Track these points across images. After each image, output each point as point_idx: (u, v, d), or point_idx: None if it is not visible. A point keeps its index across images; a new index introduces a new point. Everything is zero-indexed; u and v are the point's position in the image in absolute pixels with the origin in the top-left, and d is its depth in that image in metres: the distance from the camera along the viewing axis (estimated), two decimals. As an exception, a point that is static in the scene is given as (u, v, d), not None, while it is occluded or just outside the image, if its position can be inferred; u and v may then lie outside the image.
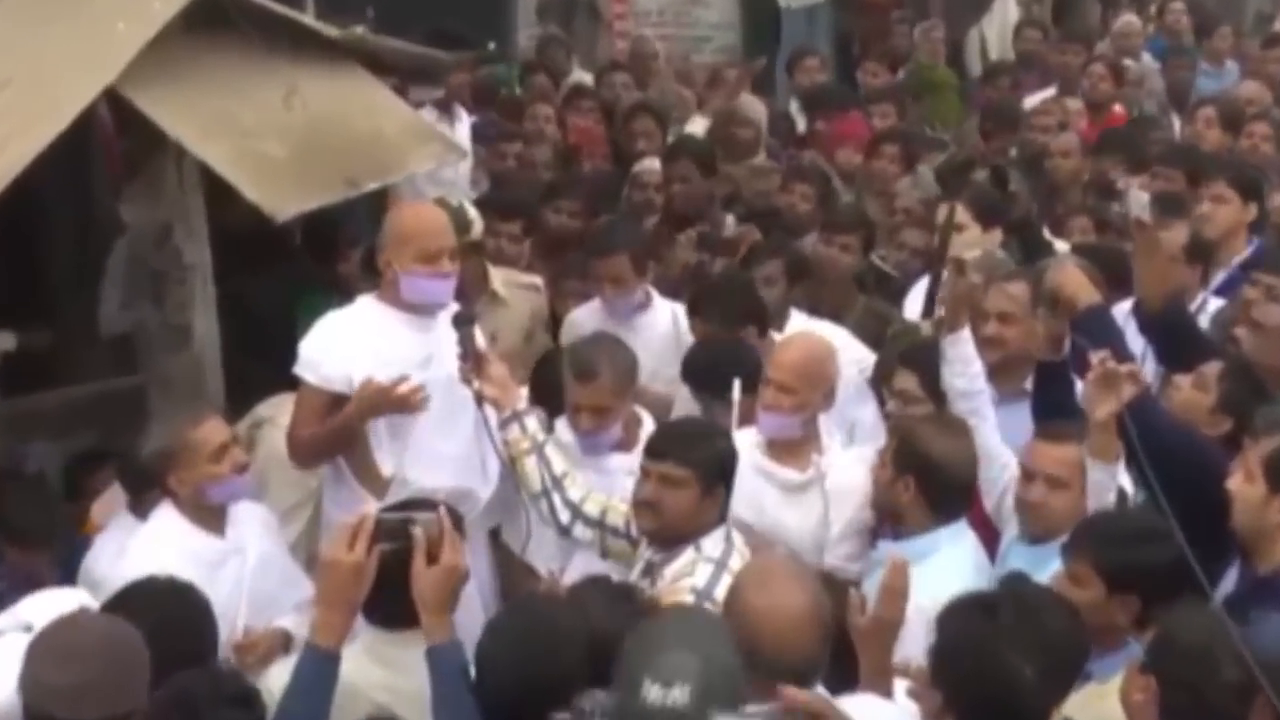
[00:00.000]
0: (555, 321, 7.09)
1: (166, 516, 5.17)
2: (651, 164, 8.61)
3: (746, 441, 5.36)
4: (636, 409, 5.78)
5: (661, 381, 6.36)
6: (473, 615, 4.82)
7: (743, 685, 3.16)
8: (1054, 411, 5.24)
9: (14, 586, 5.09)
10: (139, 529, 5.24)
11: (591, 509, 5.15)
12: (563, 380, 5.68)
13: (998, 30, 12.67)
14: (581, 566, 5.25)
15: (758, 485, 5.34)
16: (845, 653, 4.01)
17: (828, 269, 7.23)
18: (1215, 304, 6.56)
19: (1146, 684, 3.72)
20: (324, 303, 6.20)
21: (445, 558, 4.01)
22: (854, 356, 6.24)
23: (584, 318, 6.76)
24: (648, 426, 5.64)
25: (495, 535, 5.94)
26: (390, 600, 4.03)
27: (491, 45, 11.39)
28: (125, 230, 6.96)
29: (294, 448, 5.65)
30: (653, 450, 4.89)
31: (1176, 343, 5.70)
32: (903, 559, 4.20)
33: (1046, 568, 4.66)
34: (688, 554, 4.75)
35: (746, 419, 5.55)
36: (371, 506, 4.61)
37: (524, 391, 5.64)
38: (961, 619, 3.84)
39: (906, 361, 5.75)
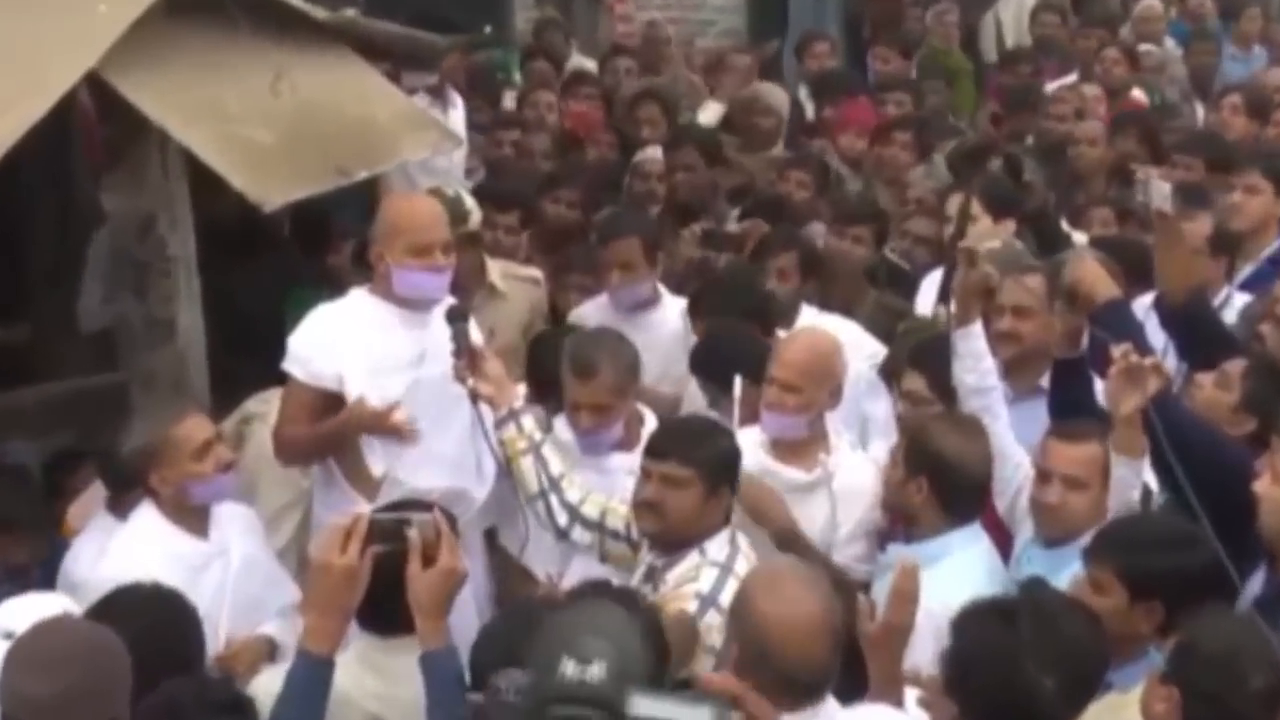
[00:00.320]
0: (555, 316, 7.09)
1: (147, 517, 5.17)
2: (654, 153, 8.60)
3: (750, 441, 5.36)
4: (639, 407, 5.78)
5: (670, 382, 6.35)
6: (467, 620, 4.82)
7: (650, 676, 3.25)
8: (1072, 409, 5.25)
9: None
10: (119, 530, 5.24)
11: (590, 511, 5.15)
12: (559, 363, 5.68)
13: (1014, 14, 12.65)
14: (581, 570, 5.25)
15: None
16: (854, 660, 4.00)
17: (839, 262, 7.22)
18: (1241, 299, 6.55)
19: (1169, 694, 3.71)
20: (313, 296, 6.19)
21: (442, 560, 4.00)
22: (867, 353, 6.25)
23: (590, 314, 6.75)
24: (650, 425, 5.63)
25: (492, 537, 5.95)
26: (384, 605, 4.02)
27: (488, 29, 11.37)
28: (107, 220, 6.95)
29: (280, 446, 5.66)
30: (654, 449, 4.89)
31: (1199, 339, 5.70)
32: (913, 562, 4.20)
33: (1063, 571, 4.66)
34: (691, 558, 4.75)
35: (754, 414, 5.53)
36: (363, 508, 4.60)
37: (521, 389, 5.64)
38: (978, 627, 3.84)
39: (915, 362, 5.75)
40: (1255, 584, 4.47)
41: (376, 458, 5.57)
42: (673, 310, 6.71)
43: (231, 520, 5.29)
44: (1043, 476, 5.03)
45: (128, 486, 5.35)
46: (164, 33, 6.18)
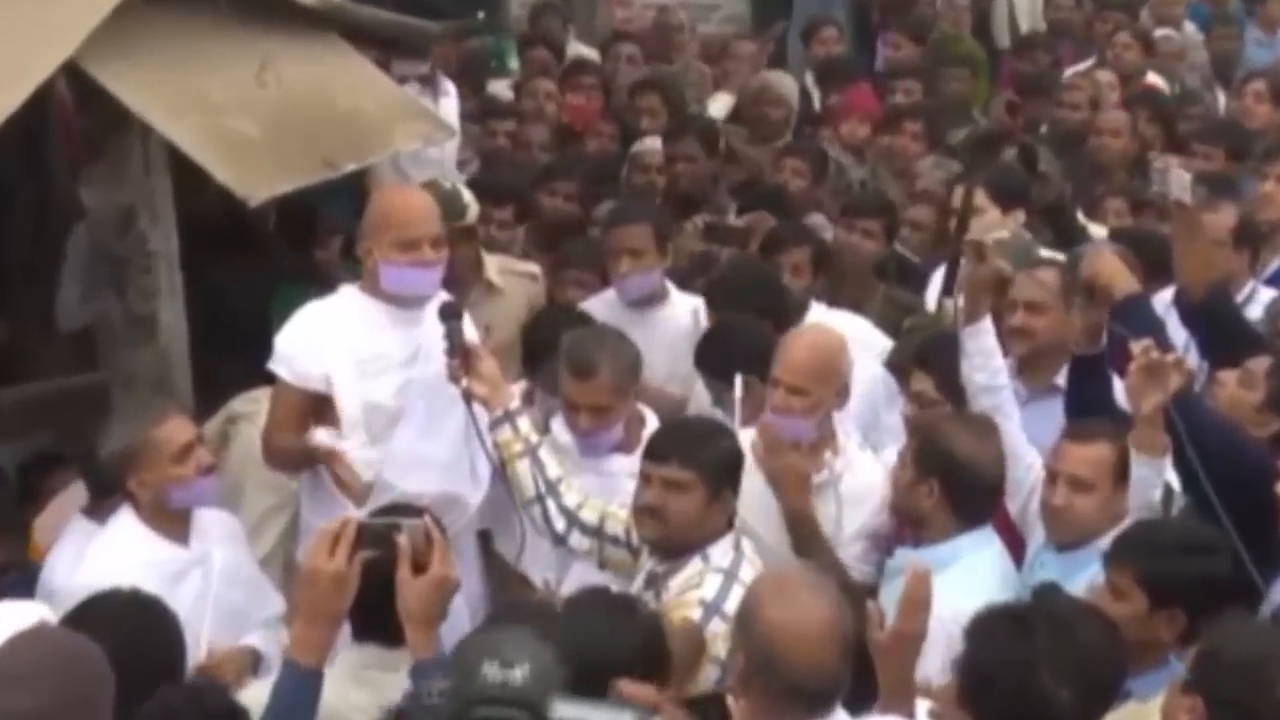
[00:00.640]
0: (553, 312, 7.09)
1: (125, 522, 5.15)
2: (652, 143, 8.58)
3: (753, 441, 5.35)
4: (640, 408, 5.77)
5: (678, 381, 6.34)
6: (461, 629, 4.80)
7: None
8: (1090, 408, 5.25)
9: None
10: (97, 535, 5.23)
11: (589, 516, 5.15)
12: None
13: (1028, -3, 12.65)
14: (580, 577, 5.25)
15: (765, 489, 5.31)
16: (864, 669, 4.00)
17: (849, 257, 7.21)
18: (1267, 294, 6.54)
19: (1192, 704, 3.71)
20: (301, 293, 6.19)
21: (433, 568, 3.99)
22: (877, 350, 6.25)
23: (595, 309, 6.71)
24: (651, 426, 5.62)
25: (487, 542, 5.94)
26: (374, 613, 4.02)
27: (480, 14, 11.35)
28: (85, 215, 6.95)
29: (268, 452, 5.68)
30: (654, 452, 4.89)
31: (1221, 335, 5.70)
32: (925, 568, 4.19)
33: (1078, 576, 4.67)
34: (694, 564, 4.75)
35: (758, 413, 5.52)
36: (352, 513, 4.60)
37: (517, 390, 5.64)
38: (991, 635, 3.84)
39: (922, 362, 5.75)
40: (1279, 591, 4.47)
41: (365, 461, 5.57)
42: (682, 307, 6.68)
43: (213, 527, 5.27)
44: (1050, 477, 5.04)
45: (108, 490, 5.34)
46: (145, 20, 6.18)
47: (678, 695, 4.27)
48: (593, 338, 5.77)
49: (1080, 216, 7.58)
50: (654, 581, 4.81)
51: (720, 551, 4.77)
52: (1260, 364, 5.28)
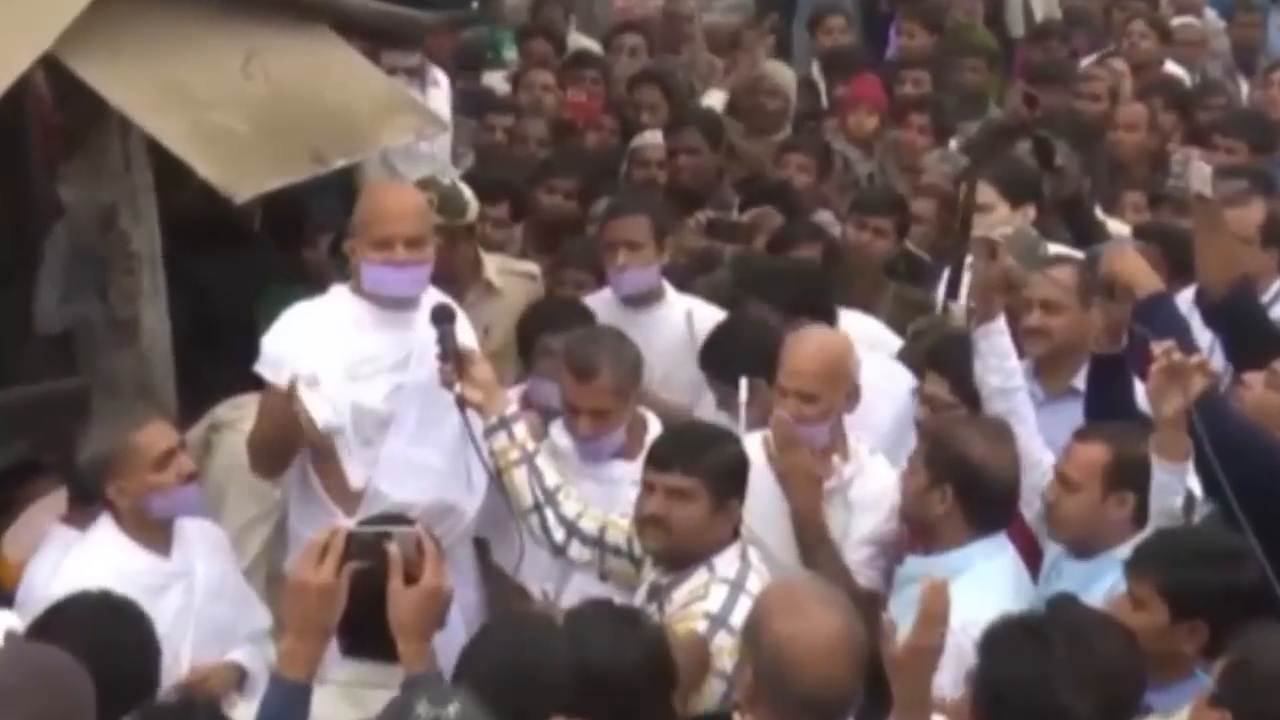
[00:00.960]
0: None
1: (104, 532, 5.15)
2: (653, 137, 8.58)
3: (759, 447, 5.34)
4: (642, 412, 5.77)
5: (672, 388, 6.32)
6: (455, 642, 4.79)
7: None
8: (1110, 411, 5.25)
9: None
10: (76, 544, 5.21)
11: (589, 525, 5.14)
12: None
13: (1044, -15, 12.64)
14: (581, 588, 5.24)
15: (773, 496, 5.31)
16: (877, 682, 3.99)
17: (859, 256, 7.20)
18: (1296, 293, 6.54)
19: (1220, 718, 3.70)
20: (288, 294, 6.19)
21: (426, 578, 3.98)
22: (889, 349, 6.25)
23: (593, 308, 6.71)
24: (654, 432, 5.61)
25: (484, 551, 5.93)
26: (364, 627, 4.01)
27: (475, 4, 11.34)
28: (64, 214, 6.95)
29: (253, 456, 5.68)
30: (656, 459, 4.88)
31: (1244, 335, 5.69)
32: (942, 579, 4.18)
33: (1096, 586, 4.66)
34: (699, 575, 4.74)
35: (764, 416, 5.51)
36: (341, 523, 4.59)
37: (514, 394, 5.64)
38: (1006, 647, 3.84)
39: (935, 364, 5.74)
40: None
41: (355, 467, 5.56)
42: (677, 310, 6.66)
43: (197, 538, 5.26)
44: (1055, 479, 5.07)
45: (89, 497, 5.33)
46: (125, 11, 6.17)
47: (683, 711, 4.27)
48: (593, 338, 5.77)
49: (1099, 212, 7.57)
50: (657, 593, 4.81)
51: (726, 562, 4.76)
52: (1287, 365, 5.28)
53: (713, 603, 4.63)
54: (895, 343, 6.42)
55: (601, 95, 9.72)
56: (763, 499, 5.17)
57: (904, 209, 7.60)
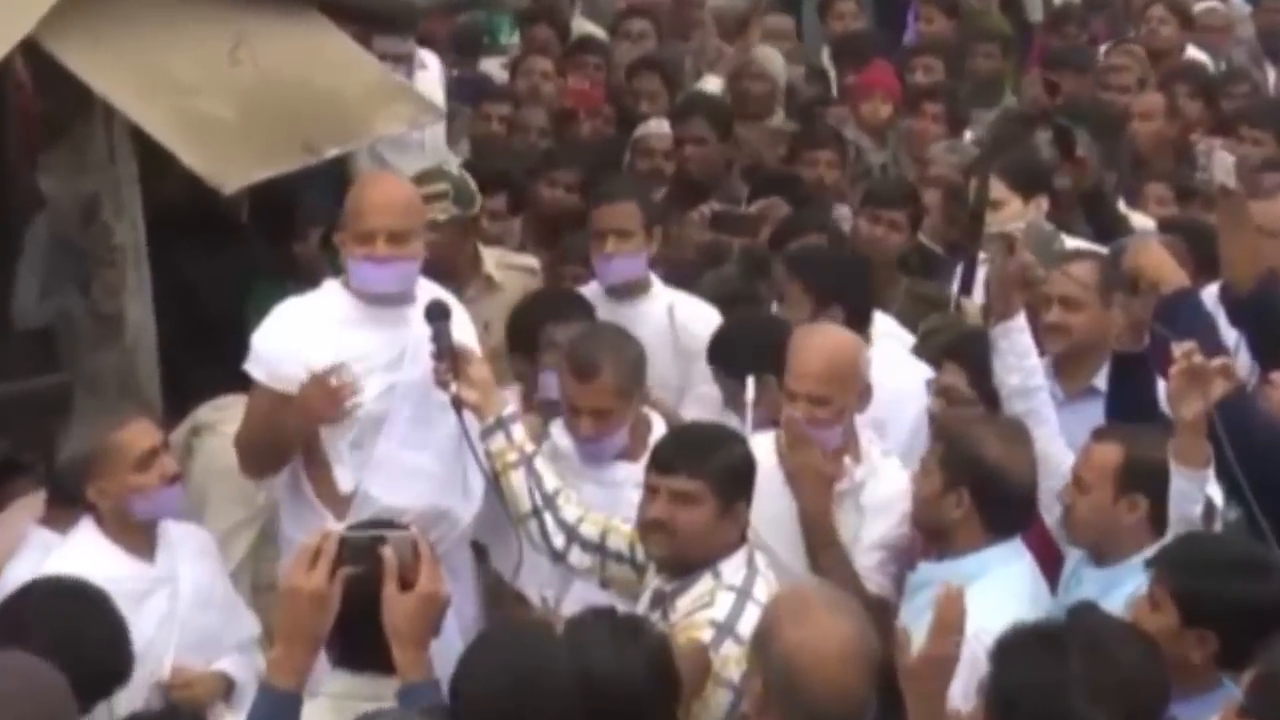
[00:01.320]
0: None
1: (85, 535, 5.14)
2: (659, 126, 8.57)
3: (766, 448, 5.34)
4: (645, 412, 5.76)
5: (652, 383, 6.30)
6: (452, 650, 4.79)
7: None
8: (1132, 411, 5.25)
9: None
10: (56, 548, 5.21)
11: (589, 531, 5.14)
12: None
13: (1061, -32, 12.62)
14: (582, 595, 5.24)
15: (781, 500, 5.32)
16: (890, 692, 4.00)
17: (871, 250, 7.18)
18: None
19: (1250, 730, 3.71)
20: (278, 289, 6.20)
21: (421, 584, 3.98)
22: (905, 344, 6.26)
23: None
24: (658, 433, 5.61)
25: (482, 556, 5.93)
26: (358, 634, 4.00)
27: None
28: (45, 205, 6.95)
29: (241, 455, 5.66)
30: (660, 462, 4.87)
31: (1272, 332, 5.69)
32: (958, 587, 4.18)
33: (1117, 592, 4.66)
34: (704, 581, 4.74)
35: (772, 416, 5.51)
36: (333, 527, 4.59)
37: (511, 394, 5.63)
38: (1022, 656, 3.84)
39: (953, 355, 5.74)
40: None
41: (345, 470, 5.56)
42: (659, 303, 6.59)
43: (182, 542, 5.25)
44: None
45: (70, 499, 5.33)
46: (109, -6, 6.19)
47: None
48: (594, 336, 5.76)
49: (1121, 205, 7.57)
50: (661, 600, 4.80)
51: (732, 568, 4.76)
52: (1317, 364, 5.28)
53: (719, 610, 4.63)
54: (908, 340, 6.42)
55: (604, 83, 9.71)
56: (770, 502, 5.17)
57: (917, 200, 7.57)
